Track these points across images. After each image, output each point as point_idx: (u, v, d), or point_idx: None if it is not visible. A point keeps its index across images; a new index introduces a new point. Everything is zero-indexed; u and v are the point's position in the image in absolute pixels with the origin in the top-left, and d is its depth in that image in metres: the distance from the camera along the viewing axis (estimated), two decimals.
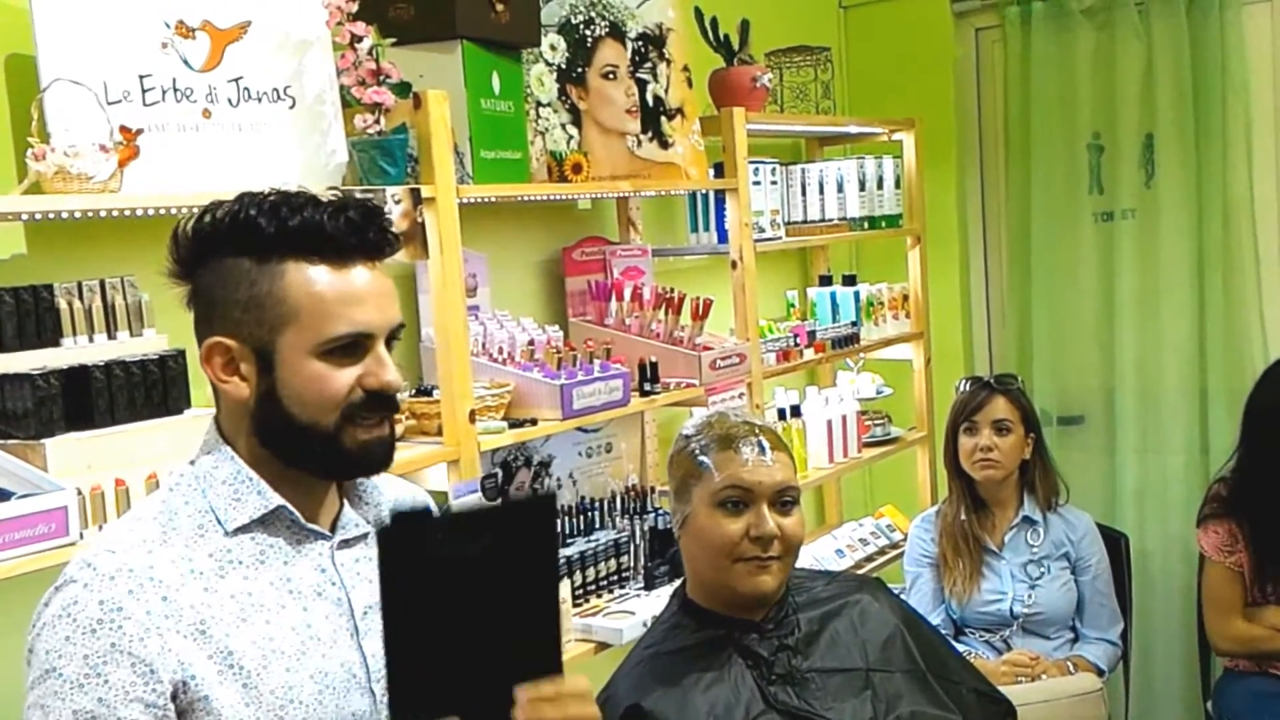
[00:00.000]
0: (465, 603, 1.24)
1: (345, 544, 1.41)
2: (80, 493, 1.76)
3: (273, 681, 1.30)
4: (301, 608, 1.35)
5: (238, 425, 1.36)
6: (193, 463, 1.39)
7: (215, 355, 1.33)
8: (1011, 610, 2.98)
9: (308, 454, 1.35)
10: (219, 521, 1.33)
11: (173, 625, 1.26)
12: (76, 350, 1.90)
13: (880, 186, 3.66)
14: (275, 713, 1.29)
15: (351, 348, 1.33)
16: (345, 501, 1.44)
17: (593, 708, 1.36)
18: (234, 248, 1.32)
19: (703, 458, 1.85)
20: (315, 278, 1.31)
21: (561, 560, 2.62)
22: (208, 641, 1.28)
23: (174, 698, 1.26)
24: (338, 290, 1.32)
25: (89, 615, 1.24)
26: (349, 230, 1.32)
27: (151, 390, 1.92)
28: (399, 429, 1.77)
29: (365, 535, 1.43)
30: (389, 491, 1.51)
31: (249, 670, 1.29)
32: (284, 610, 1.33)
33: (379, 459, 1.38)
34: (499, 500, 1.34)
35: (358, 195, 1.45)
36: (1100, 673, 2.94)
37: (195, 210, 1.92)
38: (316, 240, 1.31)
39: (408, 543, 1.22)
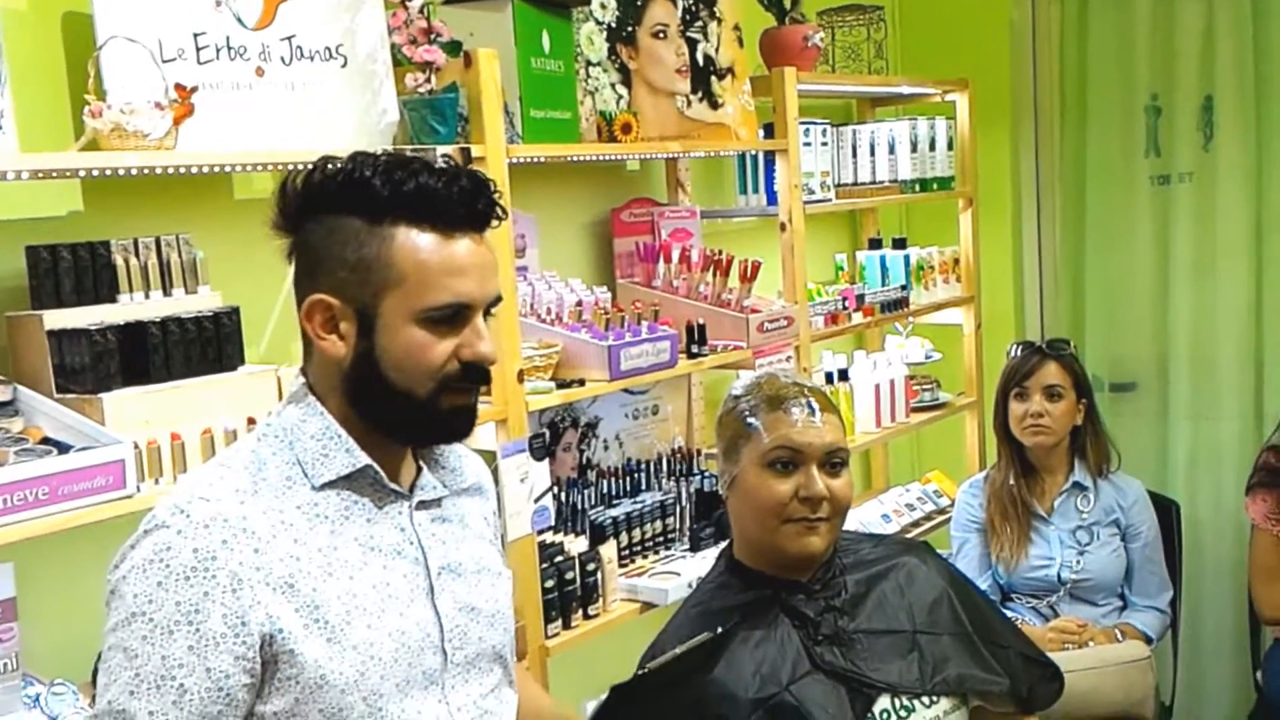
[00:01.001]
0: None
1: (422, 505, 1.43)
2: (137, 447, 1.79)
3: (355, 637, 1.31)
4: (382, 565, 1.36)
5: (329, 383, 1.37)
6: (278, 413, 1.40)
7: (316, 312, 1.34)
8: (1059, 576, 2.97)
9: (396, 418, 1.36)
10: (306, 475, 1.35)
11: (263, 577, 1.27)
12: (133, 307, 1.92)
13: (932, 148, 3.62)
14: (357, 668, 1.31)
15: (452, 318, 1.33)
16: (422, 465, 1.45)
17: None
18: (344, 206, 1.32)
19: (752, 419, 1.85)
20: (423, 245, 1.32)
21: (608, 520, 2.63)
22: (295, 595, 1.29)
23: (261, 649, 1.27)
24: (444, 259, 1.32)
25: (182, 562, 1.25)
26: (461, 199, 1.33)
27: (206, 347, 1.94)
28: None
29: (441, 499, 1.45)
30: (463, 455, 1.53)
31: (334, 625, 1.30)
32: (366, 567, 1.35)
33: (463, 428, 1.40)
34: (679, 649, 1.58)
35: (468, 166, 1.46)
36: (1148, 640, 2.92)
37: (250, 168, 1.95)
38: (429, 207, 1.32)
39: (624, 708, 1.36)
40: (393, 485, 1.40)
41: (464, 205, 1.33)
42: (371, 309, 1.32)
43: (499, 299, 1.39)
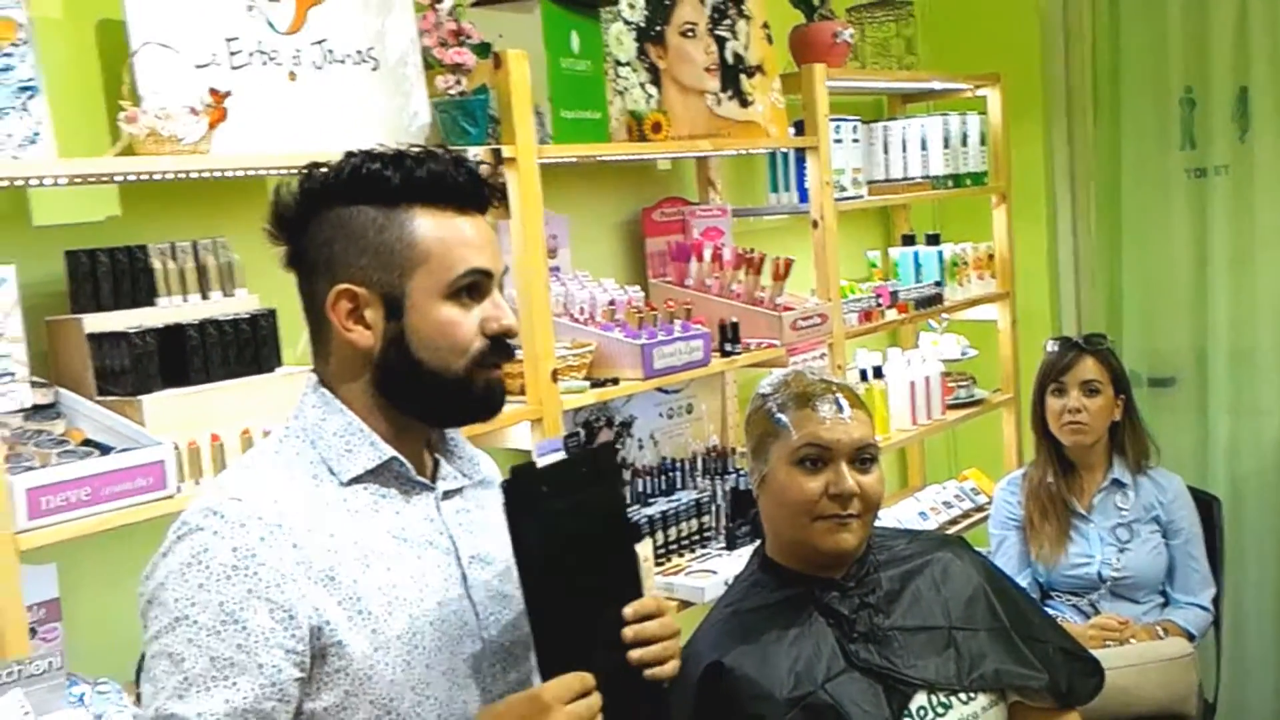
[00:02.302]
0: (577, 545, 1.37)
1: (447, 496, 1.44)
2: (177, 448, 1.81)
3: (398, 627, 1.32)
4: (416, 556, 1.37)
5: (353, 376, 1.38)
6: (296, 416, 1.40)
7: (342, 302, 1.35)
8: (1100, 574, 2.94)
9: (431, 400, 1.37)
10: (332, 472, 1.36)
11: (304, 571, 1.28)
12: (171, 310, 1.95)
13: (964, 143, 3.60)
14: (403, 657, 1.32)
15: (473, 289, 1.36)
16: (438, 457, 1.46)
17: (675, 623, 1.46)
18: (355, 198, 1.34)
19: (780, 416, 1.85)
20: (443, 223, 1.35)
21: (644, 519, 2.63)
22: (337, 588, 1.29)
23: (310, 642, 1.27)
24: (460, 234, 1.36)
25: (222, 562, 1.25)
26: (468, 181, 1.37)
27: (244, 349, 1.96)
28: None
29: (462, 488, 1.46)
30: (475, 450, 1.54)
31: (376, 615, 1.31)
32: (401, 558, 1.36)
33: (497, 403, 1.42)
34: (572, 451, 1.49)
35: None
36: (1191, 638, 2.88)
37: (284, 171, 1.97)
38: (442, 189, 1.35)
39: (527, 493, 1.33)
40: (418, 477, 1.41)
41: (472, 185, 1.38)
42: (399, 291, 1.34)
43: (506, 270, 1.44)
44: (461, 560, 1.41)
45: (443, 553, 1.40)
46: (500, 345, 1.39)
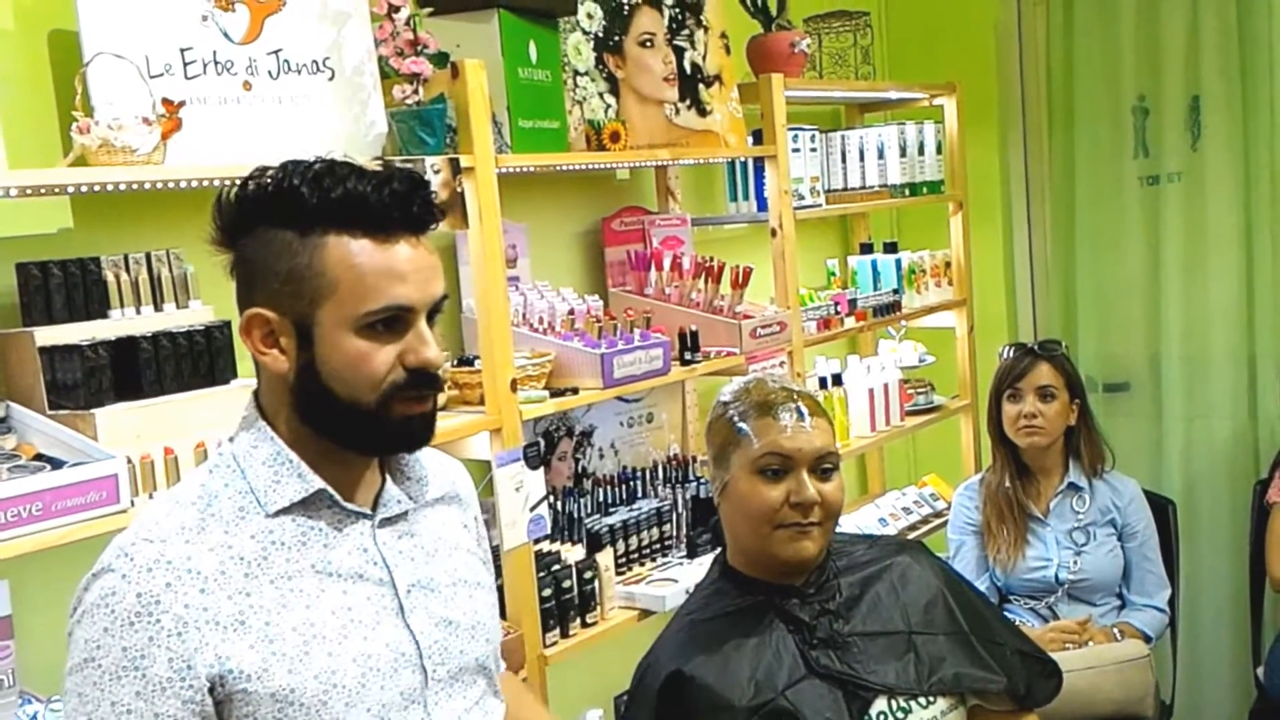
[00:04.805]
0: None
1: (387, 522, 1.40)
2: (130, 461, 1.79)
3: (315, 666, 1.28)
4: (341, 591, 1.33)
5: (278, 400, 1.34)
6: (231, 440, 1.38)
7: (255, 327, 1.31)
8: (1057, 577, 2.97)
9: (348, 430, 1.32)
10: (259, 504, 1.32)
11: (210, 618, 1.25)
12: (124, 322, 1.92)
13: (921, 152, 3.63)
14: (319, 697, 1.28)
15: (392, 323, 1.30)
16: (387, 477, 1.42)
17: None
18: (277, 218, 1.29)
19: (741, 424, 1.85)
20: (355, 251, 1.28)
21: (604, 528, 2.63)
22: (247, 632, 1.26)
23: (211, 691, 1.25)
24: (378, 264, 1.28)
25: (127, 607, 1.23)
26: (393, 203, 1.29)
27: (198, 361, 1.95)
28: (440, 399, 1.73)
29: (406, 512, 1.42)
30: (430, 464, 1.49)
31: (290, 657, 1.28)
32: (324, 594, 1.32)
33: (419, 435, 1.36)
34: None
35: (398, 164, 1.44)
36: (1147, 639, 2.92)
37: (238, 181, 1.95)
38: (359, 212, 1.28)
39: None
40: (351, 506, 1.36)
41: (397, 209, 1.29)
42: (308, 319, 1.29)
43: (444, 299, 1.35)
44: (399, 590, 1.37)
45: (375, 584, 1.36)
46: (421, 378, 1.32)
